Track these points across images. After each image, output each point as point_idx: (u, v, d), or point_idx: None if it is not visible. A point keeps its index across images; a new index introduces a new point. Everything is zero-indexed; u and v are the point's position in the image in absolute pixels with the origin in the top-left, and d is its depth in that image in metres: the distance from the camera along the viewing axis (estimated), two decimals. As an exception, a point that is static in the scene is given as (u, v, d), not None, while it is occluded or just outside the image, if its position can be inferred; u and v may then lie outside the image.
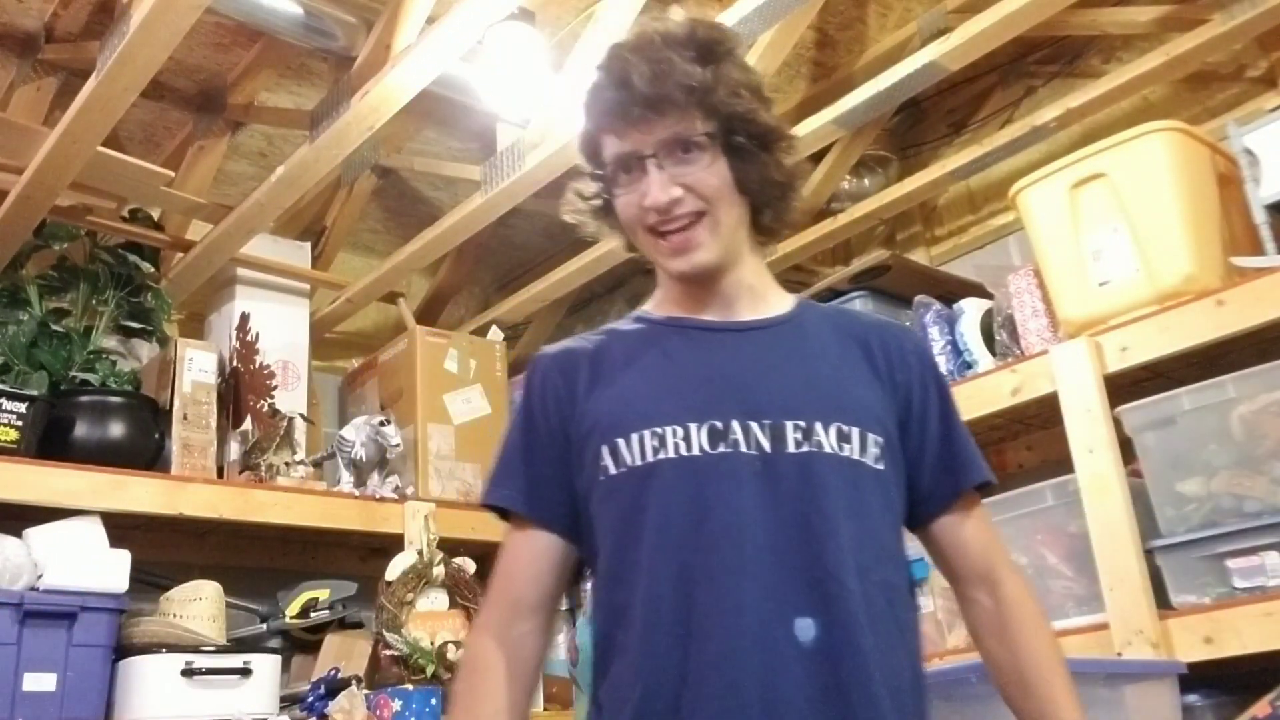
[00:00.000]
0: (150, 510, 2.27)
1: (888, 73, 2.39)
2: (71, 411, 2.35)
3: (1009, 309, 2.26)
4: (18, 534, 2.09)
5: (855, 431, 1.16)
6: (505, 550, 1.26)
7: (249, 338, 2.78)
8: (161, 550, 2.49)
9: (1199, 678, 1.70)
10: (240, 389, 2.69)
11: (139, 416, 2.43)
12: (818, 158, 2.85)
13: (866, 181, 2.97)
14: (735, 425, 1.14)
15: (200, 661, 2.15)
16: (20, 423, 2.19)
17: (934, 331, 2.35)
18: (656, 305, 1.31)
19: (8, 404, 2.19)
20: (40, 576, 2.05)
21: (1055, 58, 2.79)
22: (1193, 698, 1.74)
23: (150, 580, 2.33)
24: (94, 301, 2.63)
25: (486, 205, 2.63)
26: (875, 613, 1.11)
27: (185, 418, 2.48)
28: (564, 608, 3.16)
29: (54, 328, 2.54)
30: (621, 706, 1.12)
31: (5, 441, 2.17)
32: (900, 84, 2.37)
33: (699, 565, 1.11)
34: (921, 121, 3.11)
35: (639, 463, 1.16)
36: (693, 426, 1.15)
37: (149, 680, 2.11)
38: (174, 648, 2.15)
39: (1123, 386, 1.95)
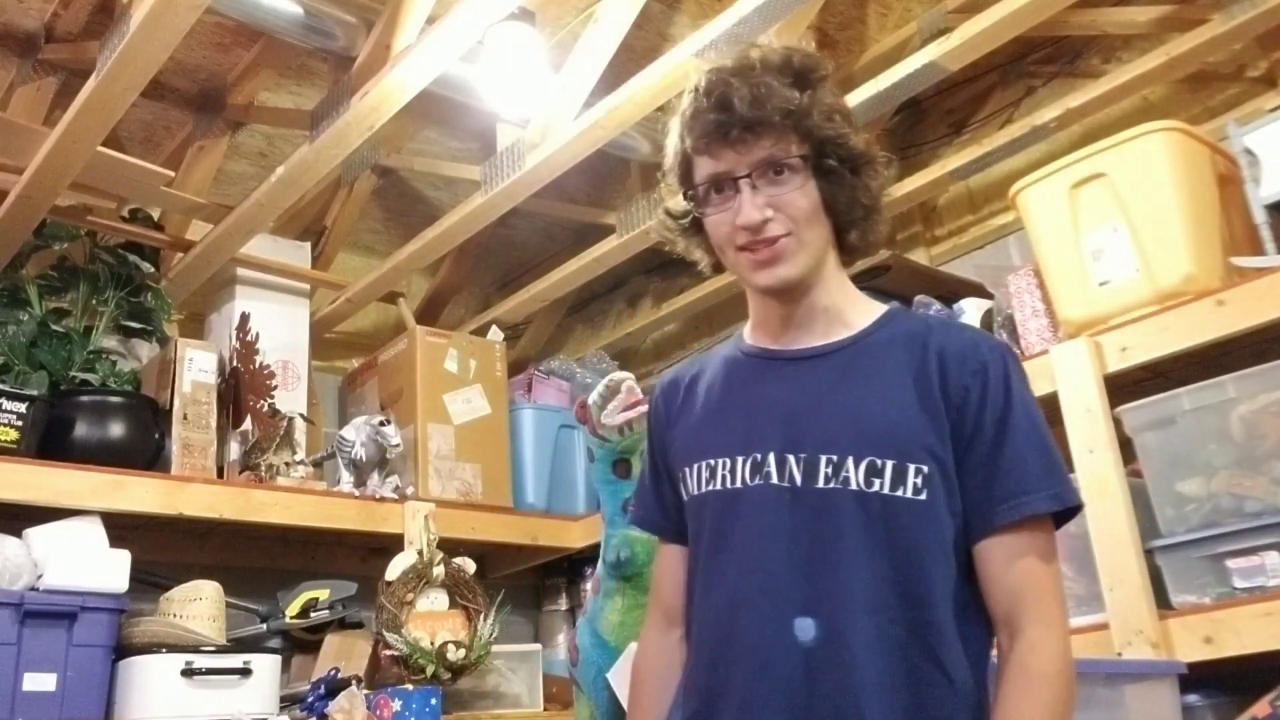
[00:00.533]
0: (150, 510, 2.27)
1: (888, 73, 2.38)
2: (71, 411, 2.35)
3: (1009, 309, 2.25)
4: (18, 534, 2.09)
5: (890, 465, 1.15)
6: (655, 563, 1.44)
7: (249, 338, 2.78)
8: (161, 550, 2.50)
9: (1199, 678, 1.70)
10: (240, 389, 2.69)
11: (139, 416, 2.43)
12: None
13: (866, 181, 2.96)
14: (772, 458, 1.20)
15: (200, 661, 2.15)
16: (20, 423, 2.19)
17: (934, 332, 2.34)
18: (748, 328, 1.36)
19: (8, 404, 2.19)
20: (40, 576, 2.05)
21: (1055, 58, 2.79)
22: (1193, 698, 1.74)
23: (150, 580, 2.33)
24: (94, 301, 2.63)
25: (486, 205, 2.63)
26: (895, 650, 1.12)
27: (185, 418, 2.49)
28: (564, 608, 3.17)
29: (54, 328, 2.54)
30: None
31: (5, 441, 2.17)
32: (900, 84, 2.37)
33: (725, 595, 1.21)
34: (921, 121, 3.10)
35: (696, 492, 1.27)
36: (739, 459, 1.22)
37: (149, 680, 2.11)
38: (174, 648, 2.15)
39: (1123, 386, 1.94)
